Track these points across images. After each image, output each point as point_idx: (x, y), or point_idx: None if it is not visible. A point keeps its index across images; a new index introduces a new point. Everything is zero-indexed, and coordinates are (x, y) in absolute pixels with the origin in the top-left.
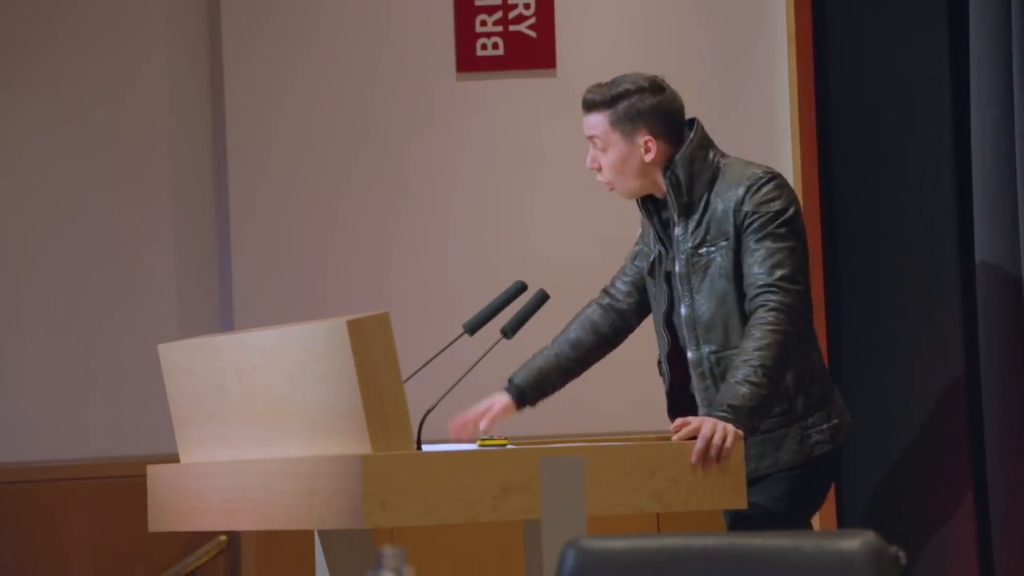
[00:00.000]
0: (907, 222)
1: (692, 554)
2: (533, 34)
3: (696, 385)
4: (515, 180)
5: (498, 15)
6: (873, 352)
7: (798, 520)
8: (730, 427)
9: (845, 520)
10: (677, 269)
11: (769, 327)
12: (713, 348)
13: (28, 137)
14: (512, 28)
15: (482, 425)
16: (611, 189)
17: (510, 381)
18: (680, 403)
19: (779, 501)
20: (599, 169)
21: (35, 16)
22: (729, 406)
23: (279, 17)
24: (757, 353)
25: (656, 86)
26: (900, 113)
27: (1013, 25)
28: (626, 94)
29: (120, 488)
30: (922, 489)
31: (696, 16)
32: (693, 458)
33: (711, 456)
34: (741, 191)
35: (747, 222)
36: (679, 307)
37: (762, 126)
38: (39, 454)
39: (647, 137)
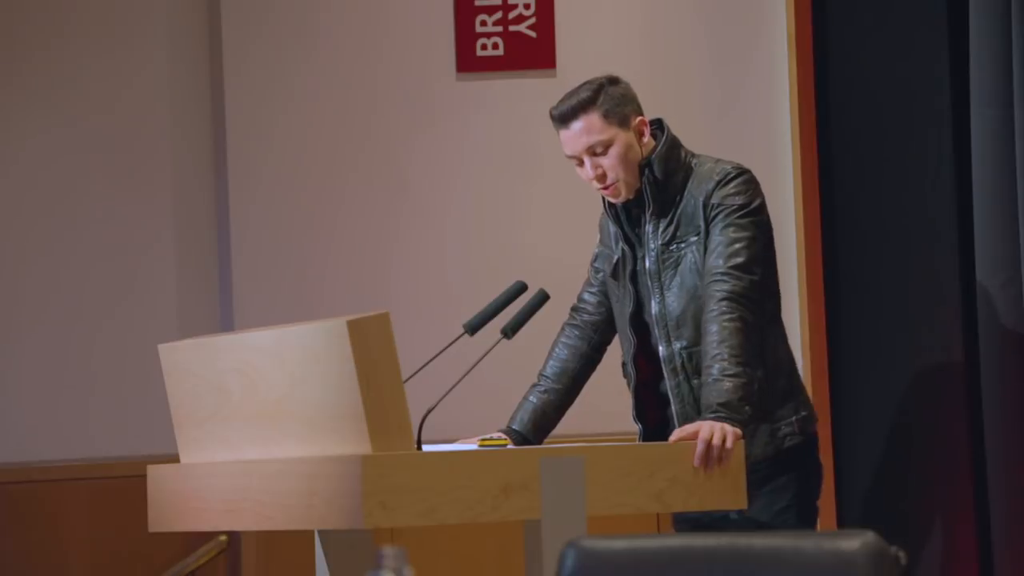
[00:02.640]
0: (907, 222)
1: (692, 554)
2: (533, 34)
3: (668, 381)
4: (515, 180)
5: (498, 15)
6: (873, 352)
7: (798, 514)
8: (728, 427)
9: (845, 520)
10: (647, 266)
11: (723, 318)
12: (684, 344)
13: (28, 137)
14: (512, 28)
15: None
16: (614, 195)
17: (511, 428)
18: (648, 402)
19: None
20: (603, 175)
21: (35, 16)
22: (720, 405)
23: (279, 17)
24: (721, 346)
25: (613, 77)
26: (900, 113)
27: (1013, 25)
28: (600, 88)
29: (120, 488)
30: (922, 489)
31: (696, 16)
32: (696, 461)
33: (712, 457)
34: (711, 186)
35: (713, 214)
36: (649, 305)
37: (762, 126)
38: (39, 454)
39: (639, 117)
